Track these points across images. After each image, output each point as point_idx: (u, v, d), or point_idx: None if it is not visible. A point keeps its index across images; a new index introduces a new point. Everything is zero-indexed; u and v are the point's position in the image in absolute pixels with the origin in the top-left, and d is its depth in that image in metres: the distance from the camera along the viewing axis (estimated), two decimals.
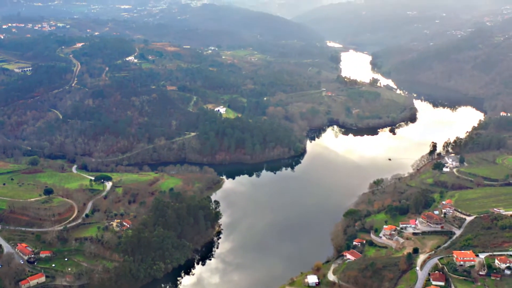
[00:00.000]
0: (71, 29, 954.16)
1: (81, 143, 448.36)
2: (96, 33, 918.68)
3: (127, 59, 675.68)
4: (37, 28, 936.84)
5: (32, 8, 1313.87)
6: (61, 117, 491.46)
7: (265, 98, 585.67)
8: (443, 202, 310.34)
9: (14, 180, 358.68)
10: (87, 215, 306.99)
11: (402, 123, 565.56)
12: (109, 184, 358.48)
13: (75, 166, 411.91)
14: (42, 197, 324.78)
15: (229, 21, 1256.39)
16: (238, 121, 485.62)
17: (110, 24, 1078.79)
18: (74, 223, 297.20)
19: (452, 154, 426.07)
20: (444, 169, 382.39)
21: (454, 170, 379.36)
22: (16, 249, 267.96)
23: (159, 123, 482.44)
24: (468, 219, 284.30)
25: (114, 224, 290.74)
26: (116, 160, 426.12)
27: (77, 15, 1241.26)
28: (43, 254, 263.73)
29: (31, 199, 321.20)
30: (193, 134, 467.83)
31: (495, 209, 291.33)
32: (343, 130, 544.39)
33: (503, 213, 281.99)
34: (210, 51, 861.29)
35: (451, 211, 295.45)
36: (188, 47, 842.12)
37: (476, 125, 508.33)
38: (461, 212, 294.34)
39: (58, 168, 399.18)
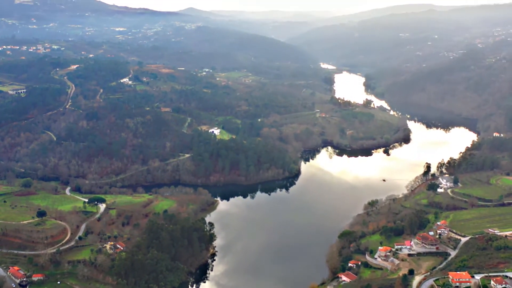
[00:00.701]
0: (65, 51, 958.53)
1: (75, 165, 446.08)
2: (91, 55, 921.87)
3: (121, 81, 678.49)
4: (31, 50, 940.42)
5: (27, 30, 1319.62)
6: (55, 139, 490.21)
7: (259, 120, 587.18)
8: (438, 223, 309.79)
9: (7, 203, 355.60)
10: (80, 238, 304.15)
11: (396, 144, 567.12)
12: (102, 206, 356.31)
13: (68, 188, 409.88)
14: (35, 219, 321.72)
15: (223, 43, 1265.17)
16: (233, 143, 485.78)
17: (105, 47, 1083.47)
18: (67, 246, 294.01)
19: (446, 175, 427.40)
20: (439, 190, 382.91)
21: (448, 190, 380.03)
22: (8, 273, 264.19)
23: (153, 144, 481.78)
24: (463, 240, 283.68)
25: (108, 246, 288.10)
26: (110, 182, 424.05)
27: (72, 38, 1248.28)
28: (35, 278, 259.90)
29: (24, 222, 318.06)
30: (187, 155, 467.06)
31: (490, 229, 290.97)
32: (337, 151, 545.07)
33: (498, 233, 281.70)
34: (204, 73, 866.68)
35: (446, 232, 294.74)
36: (183, 69, 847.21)
37: (469, 146, 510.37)
38: (456, 233, 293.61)
39: (51, 190, 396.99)
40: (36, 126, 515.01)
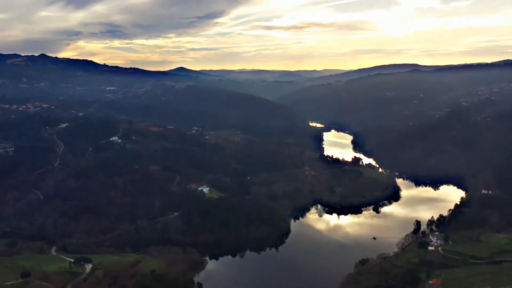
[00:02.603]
0: (56, 110, 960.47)
1: (61, 224, 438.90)
2: (81, 114, 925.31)
3: (111, 139, 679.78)
4: (22, 109, 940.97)
5: (18, 89, 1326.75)
6: (42, 197, 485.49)
7: (248, 178, 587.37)
8: (430, 282, 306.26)
9: None
10: None
11: (386, 201, 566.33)
12: (89, 266, 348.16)
13: (54, 248, 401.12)
14: (19, 280, 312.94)
15: (213, 102, 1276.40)
16: (222, 201, 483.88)
17: (95, 105, 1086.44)
18: None
19: (436, 232, 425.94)
20: (429, 248, 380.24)
21: (439, 248, 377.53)
22: None
23: (142, 203, 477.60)
24: None
25: None
26: (97, 241, 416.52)
27: (62, 96, 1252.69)
28: None
29: (7, 283, 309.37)
30: (176, 214, 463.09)
31: None
32: (327, 209, 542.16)
33: None
34: (194, 131, 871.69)
35: None
36: (172, 127, 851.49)
37: (458, 203, 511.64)
38: None
39: (37, 250, 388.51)
40: (24, 184, 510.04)
